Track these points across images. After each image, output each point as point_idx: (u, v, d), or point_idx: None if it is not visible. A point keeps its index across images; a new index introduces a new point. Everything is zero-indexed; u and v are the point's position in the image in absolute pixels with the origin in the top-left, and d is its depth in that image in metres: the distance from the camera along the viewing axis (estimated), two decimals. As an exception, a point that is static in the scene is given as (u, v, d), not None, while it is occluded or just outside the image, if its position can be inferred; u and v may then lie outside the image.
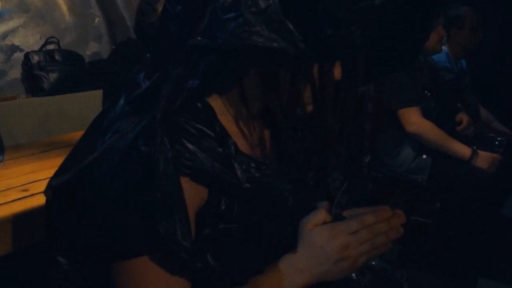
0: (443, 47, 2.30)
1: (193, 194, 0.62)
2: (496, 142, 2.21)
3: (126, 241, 0.59)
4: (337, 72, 0.65)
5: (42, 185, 1.18)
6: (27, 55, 2.46)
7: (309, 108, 0.67)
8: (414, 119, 2.02)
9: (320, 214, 0.71)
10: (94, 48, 2.87)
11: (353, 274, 0.84)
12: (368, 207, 0.72)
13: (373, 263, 0.89)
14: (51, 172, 1.33)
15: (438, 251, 1.96)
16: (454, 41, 2.32)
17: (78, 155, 0.68)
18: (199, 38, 0.56)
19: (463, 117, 2.26)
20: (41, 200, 1.08)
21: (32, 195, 1.13)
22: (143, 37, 2.36)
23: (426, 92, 2.10)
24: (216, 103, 0.66)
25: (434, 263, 1.91)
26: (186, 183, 0.60)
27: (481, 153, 2.03)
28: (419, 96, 2.06)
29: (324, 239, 0.68)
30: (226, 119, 0.67)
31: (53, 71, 2.48)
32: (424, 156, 2.07)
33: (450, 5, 2.32)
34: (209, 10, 0.56)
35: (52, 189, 0.69)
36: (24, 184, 1.23)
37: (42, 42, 2.57)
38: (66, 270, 0.68)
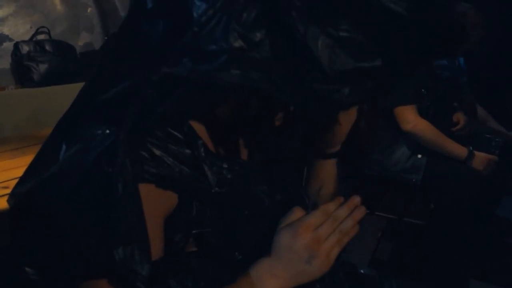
0: (441, 45, 2.26)
1: (160, 201, 0.59)
2: (493, 143, 2.19)
3: (83, 263, 0.57)
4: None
5: None
6: (16, 45, 2.41)
7: (278, 123, 0.64)
8: (410, 118, 1.99)
9: (295, 214, 0.67)
10: (86, 38, 2.82)
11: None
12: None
13: (362, 271, 0.86)
14: None
15: (431, 252, 1.94)
16: (452, 39, 2.28)
17: (41, 162, 0.66)
18: (176, 69, 0.52)
19: (460, 117, 2.23)
20: (21, 198, 1.05)
21: None
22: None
23: (422, 90, 2.07)
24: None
25: (426, 265, 1.89)
26: (151, 191, 0.57)
27: (478, 154, 2.00)
28: (415, 94, 2.03)
29: (290, 239, 0.64)
30: (195, 119, 0.64)
31: (43, 61, 2.42)
32: (419, 156, 2.04)
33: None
34: (190, 37, 0.52)
35: (14, 198, 0.66)
36: (5, 181, 1.20)
37: (33, 31, 2.51)
38: (34, 280, 0.65)
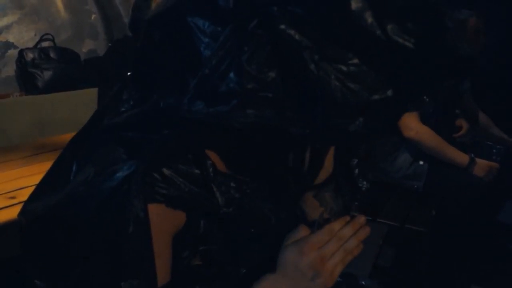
0: (443, 51, 2.28)
1: (169, 220, 0.61)
2: (494, 151, 2.20)
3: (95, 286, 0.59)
4: None
5: (30, 192, 1.16)
6: (21, 52, 2.44)
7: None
8: (412, 125, 2.00)
9: (300, 231, 0.68)
10: (90, 45, 2.84)
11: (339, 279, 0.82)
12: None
13: (363, 283, 0.87)
14: (39, 178, 1.31)
15: (433, 258, 1.95)
16: (454, 45, 2.29)
17: (52, 181, 0.68)
18: (191, 113, 0.54)
19: (463, 123, 2.24)
20: (28, 208, 1.07)
21: (20, 202, 1.12)
22: (139, 34, 2.34)
23: (424, 97, 2.08)
24: None
25: (428, 271, 1.91)
26: (161, 210, 0.59)
27: (479, 161, 2.01)
28: (417, 101, 2.04)
29: (296, 257, 0.66)
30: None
31: (47, 69, 2.45)
32: (421, 162, 2.05)
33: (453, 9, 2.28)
34: (203, 78, 0.53)
35: (25, 215, 0.68)
36: (11, 191, 1.22)
37: (37, 39, 2.54)
38: None
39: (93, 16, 2.85)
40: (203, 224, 0.64)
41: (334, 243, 0.65)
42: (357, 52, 0.50)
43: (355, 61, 0.50)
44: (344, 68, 0.50)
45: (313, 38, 0.50)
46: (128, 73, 0.66)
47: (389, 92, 0.51)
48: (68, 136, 1.85)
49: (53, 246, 0.64)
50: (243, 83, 0.51)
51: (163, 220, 0.59)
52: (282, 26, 0.50)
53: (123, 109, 0.63)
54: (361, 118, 0.51)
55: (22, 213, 0.71)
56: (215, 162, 0.64)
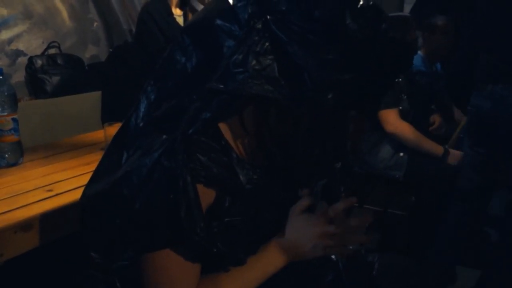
0: (419, 52, 2.47)
1: (205, 196, 0.77)
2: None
3: (154, 236, 0.74)
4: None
5: (64, 186, 1.32)
6: (31, 59, 2.58)
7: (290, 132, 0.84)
8: (392, 120, 2.19)
9: (304, 201, 0.88)
10: (93, 51, 2.99)
11: (333, 256, 1.01)
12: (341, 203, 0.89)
13: (350, 247, 1.06)
14: (69, 173, 1.47)
15: (411, 238, 2.15)
16: (427, 46, 2.48)
17: (105, 168, 0.84)
18: (215, 84, 0.74)
19: (436, 118, 2.45)
20: (64, 199, 1.20)
21: (56, 194, 1.25)
22: (144, 44, 2.53)
23: (403, 95, 2.28)
24: (221, 124, 0.82)
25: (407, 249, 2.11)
26: (200, 188, 0.76)
27: (452, 151, 2.21)
28: (397, 99, 2.23)
29: (309, 225, 0.85)
30: (229, 136, 0.83)
31: (55, 74, 2.60)
32: (401, 154, 2.24)
33: (428, 14, 2.49)
34: (224, 64, 0.74)
35: (87, 198, 0.85)
36: (48, 185, 1.33)
37: (45, 46, 2.68)
38: (97, 263, 0.83)
39: (95, 24, 3.00)
40: (228, 200, 0.80)
41: (337, 225, 0.85)
42: (330, 42, 0.71)
43: (329, 50, 0.71)
44: (320, 55, 0.71)
45: (290, 34, 0.71)
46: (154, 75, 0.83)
47: (348, 75, 0.72)
48: (81, 137, 1.97)
49: (108, 217, 0.78)
50: (250, 64, 0.72)
51: (201, 196, 0.75)
52: (273, 27, 0.72)
53: (156, 105, 0.79)
54: (332, 93, 0.72)
55: (82, 196, 0.87)
56: (238, 152, 0.82)
